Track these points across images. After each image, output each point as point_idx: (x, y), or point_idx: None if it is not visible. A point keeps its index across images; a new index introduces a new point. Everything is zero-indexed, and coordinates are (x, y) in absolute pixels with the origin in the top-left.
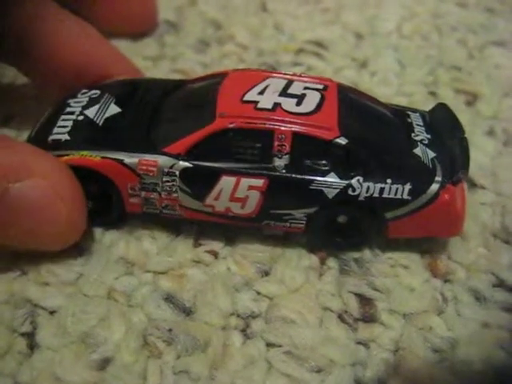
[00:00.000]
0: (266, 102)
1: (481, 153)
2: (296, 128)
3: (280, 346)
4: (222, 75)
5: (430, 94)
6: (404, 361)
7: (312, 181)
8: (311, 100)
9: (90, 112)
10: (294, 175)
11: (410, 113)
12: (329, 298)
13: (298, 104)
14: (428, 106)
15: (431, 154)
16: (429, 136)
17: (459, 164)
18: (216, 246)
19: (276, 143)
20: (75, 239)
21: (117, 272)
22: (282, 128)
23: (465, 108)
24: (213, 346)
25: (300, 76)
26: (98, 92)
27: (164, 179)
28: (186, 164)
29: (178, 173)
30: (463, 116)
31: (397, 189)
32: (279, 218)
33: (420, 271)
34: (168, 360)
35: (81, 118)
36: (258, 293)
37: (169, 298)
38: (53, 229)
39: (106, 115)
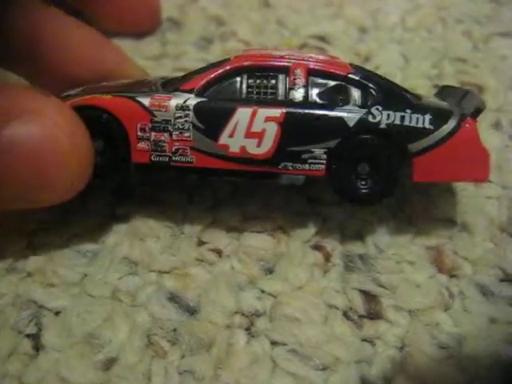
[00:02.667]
0: (282, 52)
1: (487, 146)
2: (311, 64)
3: (285, 345)
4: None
5: (435, 87)
6: (410, 358)
7: (332, 109)
8: (325, 56)
9: None
10: (312, 105)
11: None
12: (333, 295)
13: (313, 57)
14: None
15: (443, 103)
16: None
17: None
18: (220, 244)
19: (292, 77)
20: (84, 182)
21: (121, 272)
22: (297, 63)
23: None
24: (217, 345)
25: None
26: None
27: (177, 115)
28: (201, 98)
29: (191, 107)
30: None
31: (417, 118)
32: (298, 158)
33: (426, 267)
34: (172, 360)
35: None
36: (262, 291)
37: (173, 298)
38: (57, 169)
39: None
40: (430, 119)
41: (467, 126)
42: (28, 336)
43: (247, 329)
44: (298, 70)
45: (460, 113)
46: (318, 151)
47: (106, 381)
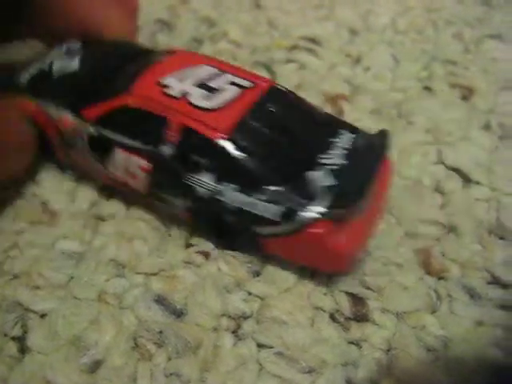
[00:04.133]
0: (176, 89)
1: (477, 148)
2: (186, 121)
3: (271, 347)
4: (172, 52)
5: (425, 89)
6: (396, 360)
7: (187, 175)
8: (223, 96)
9: (56, 63)
10: (173, 165)
11: (343, 132)
12: (320, 297)
13: (207, 98)
14: (423, 101)
15: (330, 182)
16: (344, 162)
17: (350, 198)
18: (207, 246)
19: (166, 130)
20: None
21: (108, 274)
22: (174, 118)
23: (460, 102)
24: (204, 347)
25: (238, 70)
26: (78, 47)
27: (78, 139)
28: (92, 130)
29: (85, 137)
30: (459, 111)
31: (269, 208)
32: (166, 202)
33: (413, 269)
34: (158, 362)
35: (46, 67)
36: (250, 293)
37: (160, 300)
38: None
39: (64, 69)
40: (282, 212)
41: (317, 230)
42: (13, 339)
43: (234, 331)
44: (173, 125)
45: (329, 207)
46: (179, 204)
47: (92, 383)
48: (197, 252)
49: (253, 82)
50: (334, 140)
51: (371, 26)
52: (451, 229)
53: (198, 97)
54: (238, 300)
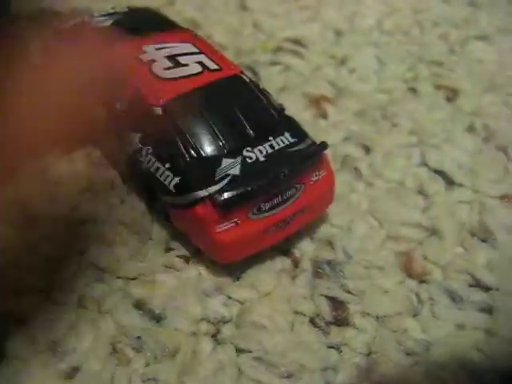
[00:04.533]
0: (148, 56)
1: (460, 150)
2: (137, 83)
3: (250, 352)
4: (184, 30)
5: (410, 90)
6: (376, 365)
7: (125, 131)
8: (182, 72)
9: None
10: (121, 119)
11: (285, 134)
12: (301, 301)
13: (167, 69)
14: (408, 102)
15: (237, 171)
16: (261, 159)
17: (245, 193)
18: (188, 250)
19: (122, 89)
20: None
21: (87, 278)
22: (131, 78)
23: (445, 104)
24: (182, 352)
25: (215, 54)
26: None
27: None
28: None
29: None
30: (443, 112)
31: (167, 176)
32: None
33: (395, 272)
34: (137, 367)
35: None
36: (229, 297)
37: (139, 305)
38: None
39: None
40: (176, 183)
41: (200, 210)
42: None
43: (213, 336)
44: (129, 85)
45: (220, 193)
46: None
47: None
48: (177, 256)
49: (220, 67)
50: (270, 138)
51: (357, 27)
52: (433, 231)
53: (160, 66)
54: (218, 304)
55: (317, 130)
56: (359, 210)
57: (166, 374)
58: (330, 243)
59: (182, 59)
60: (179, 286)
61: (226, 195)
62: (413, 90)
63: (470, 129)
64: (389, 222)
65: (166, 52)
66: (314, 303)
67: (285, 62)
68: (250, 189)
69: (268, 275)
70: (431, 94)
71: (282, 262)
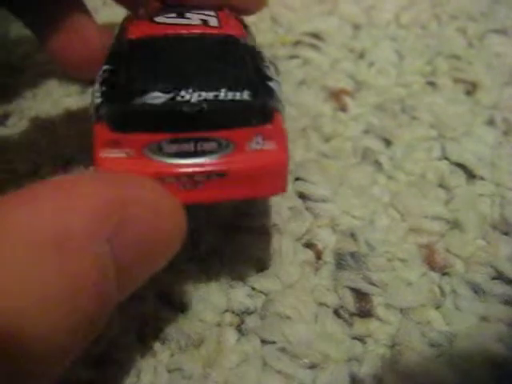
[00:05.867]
0: (163, 15)
1: (480, 143)
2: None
3: (274, 343)
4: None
5: (429, 84)
6: (401, 356)
7: None
8: (176, 20)
9: None
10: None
11: (245, 91)
12: (324, 293)
13: (165, 18)
14: (427, 96)
15: (156, 101)
16: (197, 102)
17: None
18: (211, 241)
19: (125, 34)
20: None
21: None
22: (132, 27)
23: (464, 97)
24: (207, 343)
25: (228, 21)
26: None
27: None
28: None
29: None
30: (462, 106)
31: (96, 98)
32: None
33: (417, 264)
34: (161, 358)
35: None
36: (253, 288)
37: (163, 296)
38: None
39: None
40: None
41: (97, 125)
42: None
43: (238, 326)
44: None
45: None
46: None
47: (96, 378)
48: (201, 247)
49: (220, 26)
50: (221, 89)
51: (375, 20)
52: (455, 224)
53: (162, 16)
54: (242, 295)
55: (337, 123)
56: (381, 203)
57: (191, 365)
58: (352, 235)
59: (188, 14)
60: (203, 276)
61: (120, 111)
62: (432, 84)
63: (490, 122)
64: (410, 214)
65: (181, 11)
66: (338, 295)
67: (304, 55)
68: (149, 109)
69: (291, 267)
70: (450, 87)
71: (304, 254)
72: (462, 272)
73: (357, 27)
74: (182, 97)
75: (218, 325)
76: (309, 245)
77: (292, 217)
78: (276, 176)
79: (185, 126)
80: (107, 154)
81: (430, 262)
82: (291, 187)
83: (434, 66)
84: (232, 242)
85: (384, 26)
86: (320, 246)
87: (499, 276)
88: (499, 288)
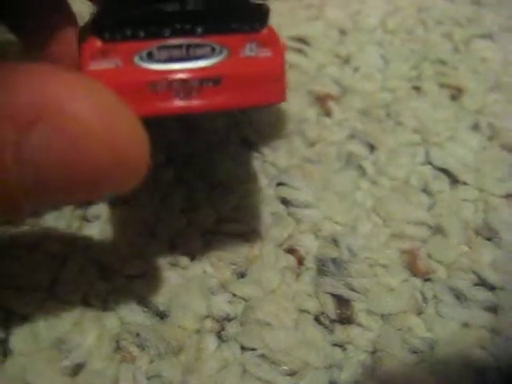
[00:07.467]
0: None
1: (465, 148)
2: None
3: (254, 350)
4: None
5: (414, 89)
6: (381, 362)
7: None
8: None
9: None
10: None
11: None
12: (305, 299)
13: None
14: (412, 101)
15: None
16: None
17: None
18: (192, 248)
19: None
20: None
21: (92, 276)
22: None
23: (449, 102)
24: (186, 350)
25: None
26: None
27: None
28: None
29: None
30: (447, 111)
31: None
32: None
33: (399, 270)
34: (141, 365)
35: None
36: (234, 295)
37: (143, 302)
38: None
39: None
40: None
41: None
42: None
43: (218, 333)
44: None
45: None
46: None
47: None
48: (182, 253)
49: None
50: None
51: (361, 26)
52: (438, 230)
53: None
54: (223, 302)
55: (321, 128)
56: (364, 208)
57: (171, 371)
58: (334, 241)
59: None
60: (183, 283)
61: (106, 19)
62: (417, 89)
63: (475, 127)
64: (393, 220)
65: None
66: (319, 301)
67: (289, 60)
68: (137, 14)
69: (272, 273)
70: (435, 92)
71: (286, 260)
72: (444, 278)
73: (343, 32)
74: (173, 3)
75: (198, 331)
76: (290, 250)
77: (274, 222)
78: (272, 83)
79: (176, 31)
80: (96, 67)
81: (412, 268)
82: (273, 192)
83: (420, 71)
84: (213, 247)
85: (370, 31)
86: (302, 251)
87: (481, 282)
88: (481, 294)
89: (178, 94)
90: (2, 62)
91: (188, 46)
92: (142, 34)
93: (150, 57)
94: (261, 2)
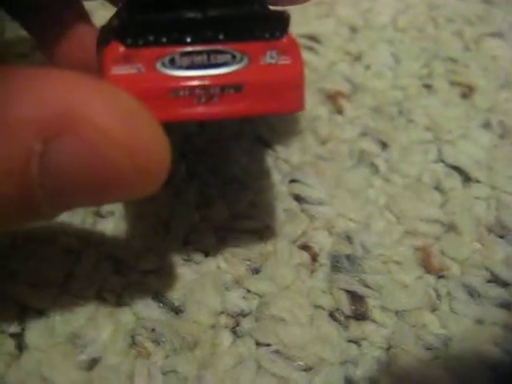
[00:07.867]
0: None
1: (476, 146)
2: None
3: (269, 345)
4: None
5: (425, 87)
6: (396, 359)
7: None
8: None
9: None
10: None
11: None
12: (320, 295)
13: None
14: (423, 99)
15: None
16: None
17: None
18: (206, 244)
19: None
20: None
21: (106, 271)
22: None
23: (460, 100)
24: (201, 345)
25: None
26: None
27: None
28: None
29: None
30: (458, 109)
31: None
32: None
33: (413, 267)
34: (156, 360)
35: None
36: (248, 291)
37: (158, 297)
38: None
39: None
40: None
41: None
42: (12, 335)
43: (232, 328)
44: None
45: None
46: None
47: (89, 381)
48: (196, 249)
49: None
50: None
51: (371, 23)
52: (451, 227)
53: None
54: (237, 297)
55: (333, 126)
56: (377, 205)
57: (186, 367)
58: (348, 238)
59: None
60: (198, 278)
61: (129, 24)
62: (428, 87)
63: (486, 125)
64: (406, 217)
65: None
66: (333, 297)
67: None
68: (160, 19)
69: (286, 269)
70: (446, 90)
71: (300, 256)
72: (457, 275)
73: (353, 30)
74: (195, 9)
75: (213, 327)
76: (304, 247)
77: (288, 219)
78: (292, 91)
79: (197, 38)
80: (118, 72)
81: (426, 265)
82: (286, 189)
83: (431, 69)
84: (227, 243)
85: (381, 28)
86: (316, 248)
87: (494, 279)
88: (494, 291)
89: (199, 100)
90: (25, 67)
91: (209, 53)
92: (164, 40)
93: (172, 63)
94: (281, 9)
